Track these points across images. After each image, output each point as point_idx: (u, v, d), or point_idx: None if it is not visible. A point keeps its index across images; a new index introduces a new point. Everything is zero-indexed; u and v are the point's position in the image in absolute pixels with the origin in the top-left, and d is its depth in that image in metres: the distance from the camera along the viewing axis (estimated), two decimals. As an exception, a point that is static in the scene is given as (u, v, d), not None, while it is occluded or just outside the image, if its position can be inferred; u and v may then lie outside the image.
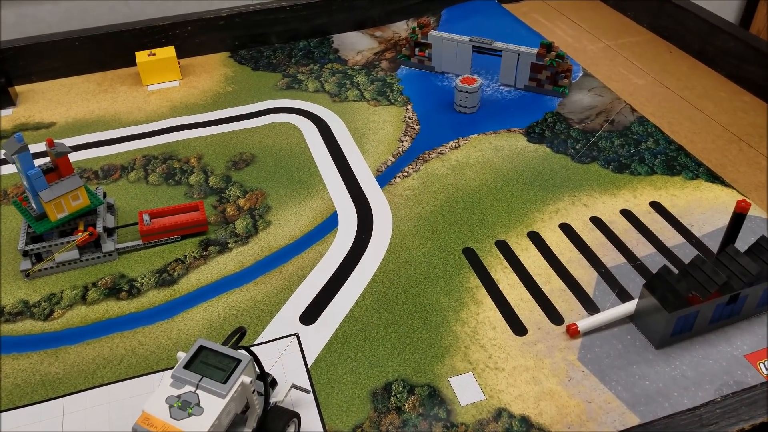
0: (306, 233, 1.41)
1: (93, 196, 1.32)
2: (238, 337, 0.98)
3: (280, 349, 1.14)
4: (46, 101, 1.91)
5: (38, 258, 1.28)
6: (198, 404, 0.86)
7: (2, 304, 1.24)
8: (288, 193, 1.52)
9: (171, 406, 0.86)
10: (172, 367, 1.09)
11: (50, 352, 1.15)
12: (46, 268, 1.28)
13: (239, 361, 0.90)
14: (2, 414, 1.04)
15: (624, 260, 1.31)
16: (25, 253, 1.26)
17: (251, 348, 1.13)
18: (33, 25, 1.93)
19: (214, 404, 0.86)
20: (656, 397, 1.05)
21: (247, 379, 0.89)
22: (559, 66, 1.84)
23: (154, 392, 0.88)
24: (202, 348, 0.92)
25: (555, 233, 1.39)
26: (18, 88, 1.95)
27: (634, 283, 1.26)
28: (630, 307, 1.18)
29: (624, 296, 1.23)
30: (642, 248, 1.34)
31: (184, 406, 0.86)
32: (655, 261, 1.31)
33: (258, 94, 1.92)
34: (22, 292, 1.27)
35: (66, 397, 1.06)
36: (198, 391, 0.88)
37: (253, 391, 0.91)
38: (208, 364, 0.90)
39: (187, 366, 0.90)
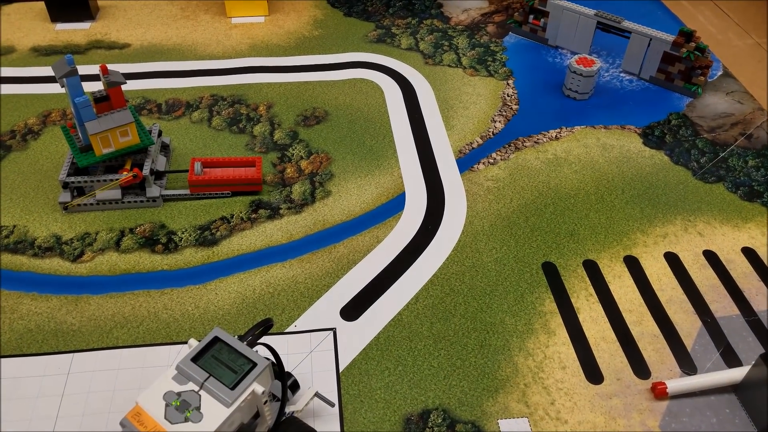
0: (366, 212, 1.26)
1: (144, 134, 1.22)
2: (262, 331, 0.85)
3: (312, 344, 1.01)
4: (125, 20, 1.83)
5: (79, 192, 1.20)
6: (198, 408, 0.74)
7: (34, 236, 1.17)
8: (355, 162, 1.37)
9: (167, 405, 0.74)
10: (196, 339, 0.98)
11: (71, 299, 1.08)
12: (85, 204, 1.20)
13: (254, 365, 0.77)
14: (7, 359, 0.98)
15: (737, 311, 1.11)
16: (66, 185, 1.18)
17: (277, 339, 1.00)
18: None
19: (216, 412, 0.74)
20: (754, 501, 0.85)
21: (259, 389, 0.76)
22: (697, 60, 1.55)
23: (153, 383, 0.76)
24: (216, 340, 0.80)
25: (658, 263, 1.18)
26: (100, 2, 1.88)
27: (745, 342, 1.06)
28: (736, 374, 0.98)
29: (729, 357, 1.04)
30: (762, 300, 1.12)
31: (182, 408, 0.74)
32: (777, 322, 1.08)
33: (345, 44, 1.75)
34: (57, 226, 1.20)
35: (75, 354, 0.99)
36: (201, 392, 0.76)
37: (265, 402, 0.78)
38: (219, 360, 0.78)
39: (196, 359, 0.78)
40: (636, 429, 0.93)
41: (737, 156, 1.42)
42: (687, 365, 1.01)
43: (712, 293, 1.13)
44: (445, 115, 1.51)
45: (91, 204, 1.20)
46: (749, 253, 1.20)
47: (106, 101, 1.14)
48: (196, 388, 0.76)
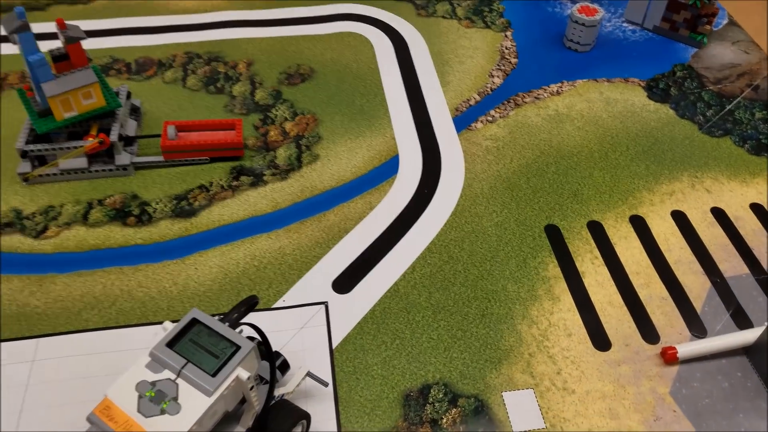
0: (358, 177, 1.19)
1: (111, 96, 1.12)
2: (245, 310, 0.77)
3: (303, 319, 0.95)
4: (89, -28, 1.70)
5: (41, 161, 1.11)
6: (176, 399, 0.67)
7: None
8: (345, 123, 1.29)
9: (141, 396, 0.67)
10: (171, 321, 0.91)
11: (34, 279, 1.00)
12: (48, 174, 1.12)
13: (238, 348, 0.70)
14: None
15: (747, 271, 1.07)
16: (24, 154, 1.08)
17: (264, 315, 0.93)
18: None
19: (196, 402, 0.67)
20: (770, 467, 0.83)
21: (244, 374, 0.69)
22: (703, 8, 1.47)
23: (124, 373, 0.69)
24: (194, 322, 0.72)
25: (665, 222, 1.14)
26: (60, -47, 1.74)
27: (755, 303, 1.02)
28: (747, 336, 0.96)
29: (740, 318, 1.00)
30: (773, 259, 1.09)
31: (158, 399, 0.67)
32: (791, 280, 1.05)
33: (331, -6, 1.66)
34: (17, 199, 1.11)
35: (41, 339, 0.92)
36: (179, 381, 0.68)
37: (252, 387, 0.71)
38: (198, 345, 0.71)
39: (172, 344, 0.70)
40: (647, 397, 0.89)
41: (744, 108, 1.36)
42: (697, 328, 0.98)
43: (721, 252, 1.09)
44: (439, 71, 1.43)
45: (54, 174, 1.12)
46: (758, 210, 1.16)
47: (66, 60, 1.04)
48: (173, 377, 0.68)
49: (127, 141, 1.16)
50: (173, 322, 0.73)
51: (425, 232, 1.09)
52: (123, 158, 1.13)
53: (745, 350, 0.95)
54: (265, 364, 0.80)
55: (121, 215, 1.09)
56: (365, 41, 1.51)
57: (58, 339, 0.91)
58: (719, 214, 1.14)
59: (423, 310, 0.98)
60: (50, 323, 0.94)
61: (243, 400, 0.74)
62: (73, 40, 1.01)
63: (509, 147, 1.25)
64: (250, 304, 0.78)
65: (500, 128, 1.29)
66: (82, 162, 1.11)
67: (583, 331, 0.96)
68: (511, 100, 1.36)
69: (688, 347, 0.94)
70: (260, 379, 0.79)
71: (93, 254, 1.03)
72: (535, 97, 1.37)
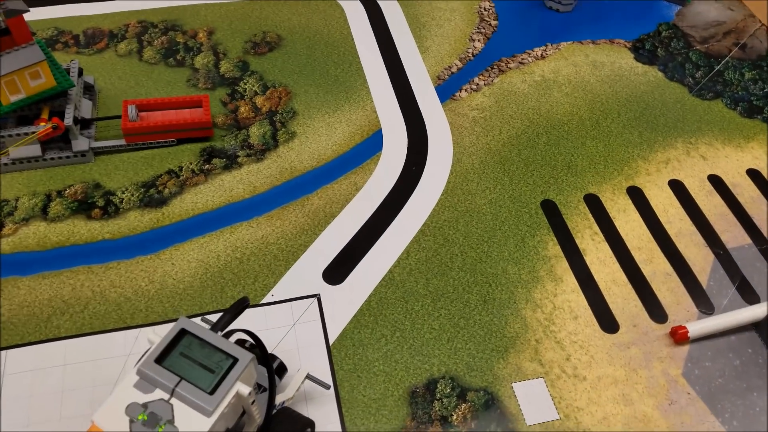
0: (340, 155, 1.11)
1: (61, 75, 1.00)
2: (237, 313, 0.70)
3: (294, 315, 0.88)
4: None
5: (-12, 150, 0.99)
6: (171, 421, 0.60)
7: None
8: (321, 96, 1.20)
9: (132, 421, 0.60)
10: (150, 324, 0.83)
11: (-7, 284, 0.90)
12: None
13: (235, 360, 0.63)
14: None
15: (749, 240, 1.05)
16: (-32, 143, 0.96)
17: (253, 313, 0.86)
18: None
19: (195, 424, 0.60)
20: (789, 446, 0.81)
21: (245, 389, 0.62)
22: (688, -38, 1.41)
23: (111, 394, 0.61)
24: (183, 333, 0.64)
25: (663, 192, 1.10)
26: None
27: (760, 273, 1.00)
28: (756, 312, 0.93)
29: (745, 290, 0.98)
30: (774, 227, 1.07)
31: (152, 422, 0.60)
32: (794, 249, 1.03)
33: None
34: (-35, 194, 0.99)
35: (8, 350, 0.83)
36: (173, 401, 0.61)
37: (253, 402, 0.64)
38: (191, 359, 0.63)
39: (161, 359, 0.62)
40: (659, 380, 0.86)
41: (733, 68, 1.32)
42: (704, 304, 0.95)
43: (722, 222, 1.06)
44: (417, 36, 1.34)
45: (6, 164, 1.01)
46: (754, 175, 1.13)
47: (7, 35, 0.92)
48: (166, 396, 0.61)
49: (84, 124, 1.05)
50: (151, 325, 0.65)
51: (417, 214, 1.02)
52: (80, 143, 1.02)
53: (755, 325, 0.93)
54: (261, 369, 0.73)
55: (84, 207, 0.99)
56: (335, 4, 1.40)
57: (28, 350, 0.83)
58: (716, 182, 1.12)
59: (422, 298, 0.92)
60: (17, 332, 0.85)
61: (243, 412, 0.67)
62: (13, 13, 0.89)
63: (497, 117, 1.18)
64: (241, 307, 0.71)
65: (486, 97, 1.22)
66: (35, 149, 1.00)
67: (589, 312, 0.92)
68: (495, 66, 1.28)
69: (698, 325, 0.91)
70: (258, 386, 0.72)
71: (57, 252, 0.94)
72: (520, 62, 1.29)
